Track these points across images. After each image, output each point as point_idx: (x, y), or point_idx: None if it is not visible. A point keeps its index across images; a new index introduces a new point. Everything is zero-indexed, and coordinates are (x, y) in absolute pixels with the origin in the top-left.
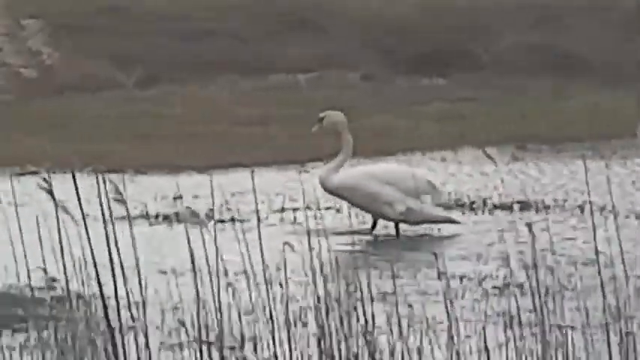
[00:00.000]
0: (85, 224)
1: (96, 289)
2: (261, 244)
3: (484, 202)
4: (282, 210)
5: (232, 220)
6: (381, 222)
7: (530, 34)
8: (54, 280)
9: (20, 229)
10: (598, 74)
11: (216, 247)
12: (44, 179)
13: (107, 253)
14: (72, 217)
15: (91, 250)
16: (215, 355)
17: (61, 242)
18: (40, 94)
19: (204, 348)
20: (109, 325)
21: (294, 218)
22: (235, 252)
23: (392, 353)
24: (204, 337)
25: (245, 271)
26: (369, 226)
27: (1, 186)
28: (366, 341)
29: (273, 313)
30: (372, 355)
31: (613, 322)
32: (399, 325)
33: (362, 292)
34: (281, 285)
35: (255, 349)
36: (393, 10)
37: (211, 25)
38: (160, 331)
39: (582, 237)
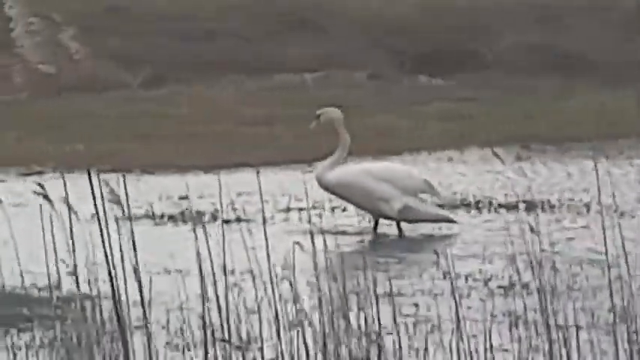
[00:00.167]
0: (91, 225)
1: (100, 289)
2: (267, 243)
3: (489, 202)
4: (288, 210)
5: (238, 219)
6: (384, 222)
7: (533, 33)
8: (74, 274)
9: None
10: (600, 74)
11: (224, 247)
12: (39, 184)
13: (113, 252)
14: (77, 217)
15: (104, 250)
16: (220, 354)
17: (73, 242)
18: (46, 93)
19: (210, 348)
20: (119, 324)
21: (300, 218)
22: (241, 252)
23: (397, 353)
24: (209, 336)
25: (251, 271)
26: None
27: (6, 186)
28: (371, 341)
29: (279, 313)
30: (377, 355)
31: (619, 322)
32: (405, 325)
33: (367, 292)
34: (291, 284)
35: (260, 349)
36: (396, 10)
37: (217, 25)
38: (166, 331)
39: (588, 236)
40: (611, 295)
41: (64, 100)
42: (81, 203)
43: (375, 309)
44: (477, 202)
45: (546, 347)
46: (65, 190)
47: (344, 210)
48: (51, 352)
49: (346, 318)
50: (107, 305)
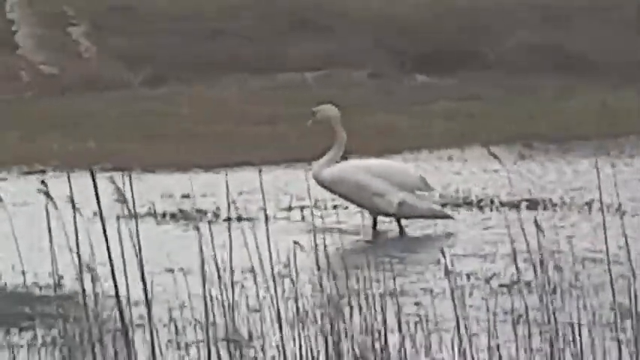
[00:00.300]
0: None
1: (102, 288)
2: (269, 241)
3: (491, 201)
4: (290, 208)
5: (239, 218)
6: (385, 221)
7: (535, 33)
8: (90, 269)
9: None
10: (602, 74)
11: (230, 245)
12: (42, 181)
13: (115, 251)
14: (81, 214)
15: (107, 248)
16: (224, 353)
17: (77, 240)
18: (50, 93)
19: (213, 346)
20: (122, 322)
21: (302, 217)
22: (243, 250)
23: (400, 351)
24: (212, 335)
25: (252, 269)
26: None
27: (8, 184)
28: (373, 339)
29: (281, 311)
30: (379, 353)
31: (622, 320)
32: (407, 323)
33: (369, 290)
34: (293, 282)
35: (262, 347)
36: (398, 10)
37: (219, 24)
38: (168, 329)
39: (590, 235)
40: (613, 293)
41: (67, 99)
42: (83, 202)
43: (377, 307)
44: (479, 201)
45: (548, 346)
46: (70, 188)
47: (345, 208)
48: (53, 350)
49: (348, 316)
50: (109, 303)
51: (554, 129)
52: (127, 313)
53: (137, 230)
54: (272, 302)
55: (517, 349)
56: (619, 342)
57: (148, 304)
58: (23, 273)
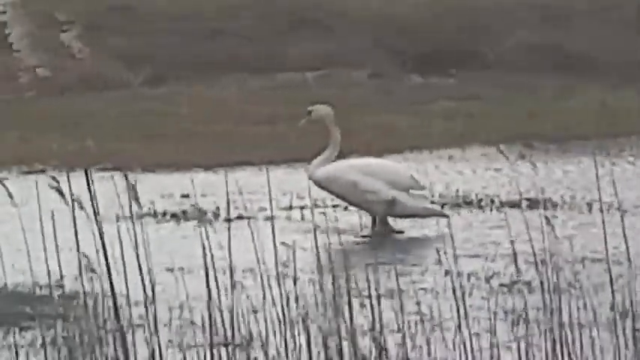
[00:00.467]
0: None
1: (103, 287)
2: (274, 241)
3: (491, 200)
4: (290, 208)
5: (239, 217)
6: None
7: (536, 32)
8: (93, 270)
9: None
10: (602, 73)
11: (230, 245)
12: (53, 177)
13: (115, 250)
14: (86, 214)
15: (103, 247)
16: (224, 353)
17: (77, 240)
18: (49, 93)
19: (215, 348)
20: (118, 322)
21: (302, 216)
22: (243, 250)
23: (400, 351)
24: (213, 335)
25: (252, 269)
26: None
27: (8, 184)
28: (373, 339)
29: (281, 311)
30: (379, 353)
31: (622, 320)
32: (407, 323)
33: (369, 290)
34: (294, 282)
35: (262, 347)
36: (397, 10)
37: (218, 24)
38: (168, 329)
39: (590, 234)
40: (612, 293)
41: (66, 99)
42: (83, 201)
43: (377, 307)
44: (479, 201)
45: (549, 345)
46: (70, 188)
47: (345, 208)
48: (53, 350)
49: (349, 316)
50: (110, 303)
51: (554, 129)
52: (127, 313)
53: (134, 230)
54: (272, 302)
55: (517, 349)
56: (618, 342)
57: (148, 303)
58: (23, 273)
